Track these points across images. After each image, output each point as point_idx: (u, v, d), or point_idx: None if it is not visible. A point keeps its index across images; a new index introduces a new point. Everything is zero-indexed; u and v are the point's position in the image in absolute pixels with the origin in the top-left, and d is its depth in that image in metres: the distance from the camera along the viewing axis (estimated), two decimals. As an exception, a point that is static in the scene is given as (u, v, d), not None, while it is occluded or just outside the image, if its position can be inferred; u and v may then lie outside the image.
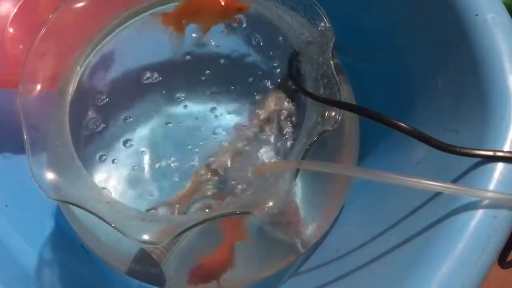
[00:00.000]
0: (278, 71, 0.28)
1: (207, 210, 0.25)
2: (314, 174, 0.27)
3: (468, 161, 0.19)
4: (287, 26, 0.28)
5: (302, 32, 0.27)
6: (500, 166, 0.19)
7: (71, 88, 0.27)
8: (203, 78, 0.29)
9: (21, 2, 0.37)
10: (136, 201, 0.26)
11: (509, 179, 0.18)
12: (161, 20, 0.27)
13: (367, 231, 0.24)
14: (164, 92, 0.28)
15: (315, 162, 0.23)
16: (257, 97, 0.28)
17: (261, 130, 0.27)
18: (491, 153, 0.19)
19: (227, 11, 0.27)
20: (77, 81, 0.28)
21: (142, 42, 0.29)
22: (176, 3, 0.29)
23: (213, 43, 0.29)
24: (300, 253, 0.27)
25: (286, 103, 0.27)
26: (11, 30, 0.36)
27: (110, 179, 0.26)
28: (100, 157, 0.27)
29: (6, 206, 0.32)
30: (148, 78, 0.28)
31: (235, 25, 0.28)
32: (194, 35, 0.28)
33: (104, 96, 0.28)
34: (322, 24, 0.26)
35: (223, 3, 0.26)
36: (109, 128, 0.28)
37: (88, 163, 0.26)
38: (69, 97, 0.27)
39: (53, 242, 0.33)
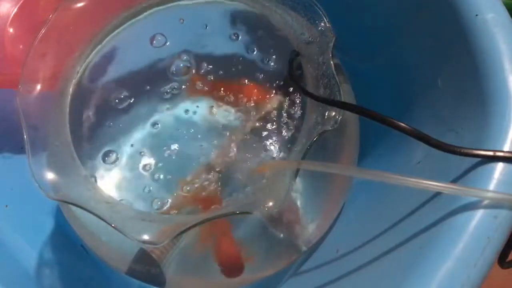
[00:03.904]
0: (278, 71, 0.28)
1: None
2: (314, 174, 0.27)
3: (468, 161, 0.19)
4: (287, 26, 0.28)
5: (302, 32, 0.27)
6: (500, 166, 0.19)
7: (71, 88, 0.27)
8: (202, 78, 0.28)
9: (21, 2, 0.37)
10: (136, 201, 0.26)
11: (509, 179, 0.18)
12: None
13: (368, 231, 0.24)
14: (164, 91, 0.28)
15: (315, 162, 0.23)
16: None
17: (261, 130, 0.27)
18: (491, 153, 0.19)
19: None
20: (77, 81, 0.28)
21: (142, 42, 0.29)
22: (176, 3, 0.30)
23: (212, 44, 0.29)
24: (300, 252, 0.28)
25: (286, 103, 0.27)
26: (11, 30, 0.36)
27: (110, 179, 0.26)
28: (100, 157, 0.27)
29: (6, 206, 0.32)
30: (148, 77, 0.28)
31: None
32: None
33: (105, 96, 0.28)
34: (322, 24, 0.26)
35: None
36: (109, 128, 0.27)
37: (88, 163, 0.26)
38: (69, 97, 0.27)
39: (53, 242, 0.33)
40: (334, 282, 0.24)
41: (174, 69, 0.29)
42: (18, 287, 0.29)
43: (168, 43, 0.29)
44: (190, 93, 0.28)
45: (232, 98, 0.28)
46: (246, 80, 0.28)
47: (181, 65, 0.29)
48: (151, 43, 0.29)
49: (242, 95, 0.28)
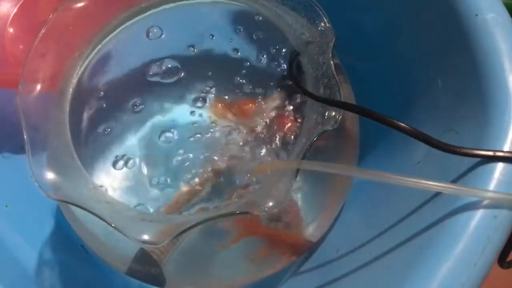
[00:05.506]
0: (278, 71, 0.28)
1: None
2: (314, 174, 0.27)
3: (468, 161, 0.19)
4: (287, 26, 0.28)
5: (302, 32, 0.27)
6: (500, 166, 0.19)
7: (71, 88, 0.27)
8: (203, 78, 0.29)
9: (21, 2, 0.37)
10: (136, 201, 0.26)
11: (509, 179, 0.18)
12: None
13: (367, 231, 0.24)
14: (164, 91, 0.28)
15: (315, 162, 0.23)
16: (256, 98, 0.28)
17: (261, 130, 0.27)
18: (491, 153, 0.19)
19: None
20: (77, 81, 0.28)
21: (142, 42, 0.29)
22: (176, 3, 0.30)
23: (212, 44, 0.29)
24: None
25: (286, 103, 0.27)
26: (11, 30, 0.36)
27: (110, 179, 0.26)
28: (100, 156, 0.27)
29: (6, 206, 0.32)
30: (148, 78, 0.28)
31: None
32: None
33: (104, 96, 0.28)
34: (322, 24, 0.26)
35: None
36: (109, 128, 0.27)
37: (88, 163, 0.26)
38: (69, 97, 0.27)
39: (53, 242, 0.33)
40: (334, 282, 0.24)
41: (173, 68, 0.29)
42: (18, 287, 0.29)
43: (163, 36, 0.29)
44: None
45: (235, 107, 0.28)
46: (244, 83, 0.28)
47: (181, 64, 0.29)
48: (147, 36, 0.29)
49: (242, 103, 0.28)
